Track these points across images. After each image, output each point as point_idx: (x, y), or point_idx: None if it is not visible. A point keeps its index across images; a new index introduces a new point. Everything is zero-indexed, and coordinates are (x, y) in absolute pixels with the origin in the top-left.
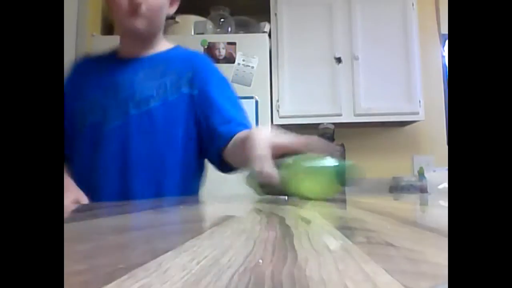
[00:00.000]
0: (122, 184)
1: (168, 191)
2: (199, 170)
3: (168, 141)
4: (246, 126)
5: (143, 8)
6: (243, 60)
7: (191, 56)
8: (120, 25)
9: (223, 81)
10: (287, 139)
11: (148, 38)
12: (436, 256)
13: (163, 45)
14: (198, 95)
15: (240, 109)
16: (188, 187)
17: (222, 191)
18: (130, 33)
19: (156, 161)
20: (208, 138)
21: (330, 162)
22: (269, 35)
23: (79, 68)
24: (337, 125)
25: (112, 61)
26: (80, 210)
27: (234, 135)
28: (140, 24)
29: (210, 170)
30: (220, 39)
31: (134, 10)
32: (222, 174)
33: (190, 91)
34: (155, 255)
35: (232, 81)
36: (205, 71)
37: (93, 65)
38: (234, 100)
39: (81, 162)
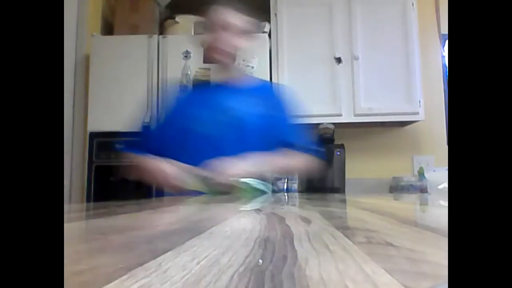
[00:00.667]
0: None
1: None
2: None
3: (258, 145)
4: (302, 149)
5: (224, 45)
6: (243, 60)
7: (269, 85)
8: (208, 57)
9: (292, 109)
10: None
11: (227, 66)
12: (437, 256)
13: (238, 73)
14: (276, 116)
15: (300, 134)
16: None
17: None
18: (215, 63)
19: None
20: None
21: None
22: (269, 35)
23: (180, 92)
24: (337, 125)
25: (207, 86)
26: (82, 210)
27: None
28: (222, 57)
29: None
30: None
31: (218, 47)
32: None
33: (270, 112)
34: (155, 255)
35: None
36: (280, 99)
37: (192, 89)
38: (298, 126)
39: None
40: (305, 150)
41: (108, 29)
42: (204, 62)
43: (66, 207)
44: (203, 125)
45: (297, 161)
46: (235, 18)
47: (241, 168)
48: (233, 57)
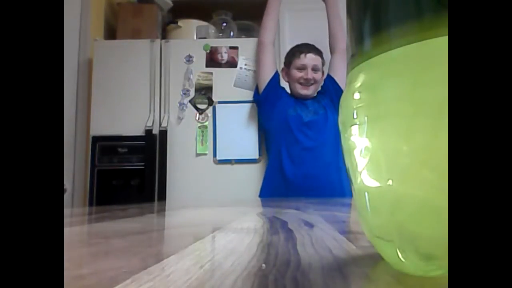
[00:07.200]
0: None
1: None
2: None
3: (330, 133)
4: None
5: (312, 82)
6: (245, 65)
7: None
8: (295, 92)
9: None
10: None
11: (313, 95)
12: None
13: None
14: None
15: None
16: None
17: (226, 195)
18: (302, 98)
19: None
20: None
21: None
22: None
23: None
24: None
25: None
26: (84, 214)
27: None
28: (309, 92)
29: (218, 175)
30: (223, 44)
31: (306, 83)
32: (226, 179)
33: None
34: (158, 259)
35: (234, 86)
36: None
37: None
38: None
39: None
40: None
41: (111, 33)
42: (293, 95)
43: (68, 211)
44: (305, 117)
45: None
46: (318, 61)
47: None
48: (317, 89)
